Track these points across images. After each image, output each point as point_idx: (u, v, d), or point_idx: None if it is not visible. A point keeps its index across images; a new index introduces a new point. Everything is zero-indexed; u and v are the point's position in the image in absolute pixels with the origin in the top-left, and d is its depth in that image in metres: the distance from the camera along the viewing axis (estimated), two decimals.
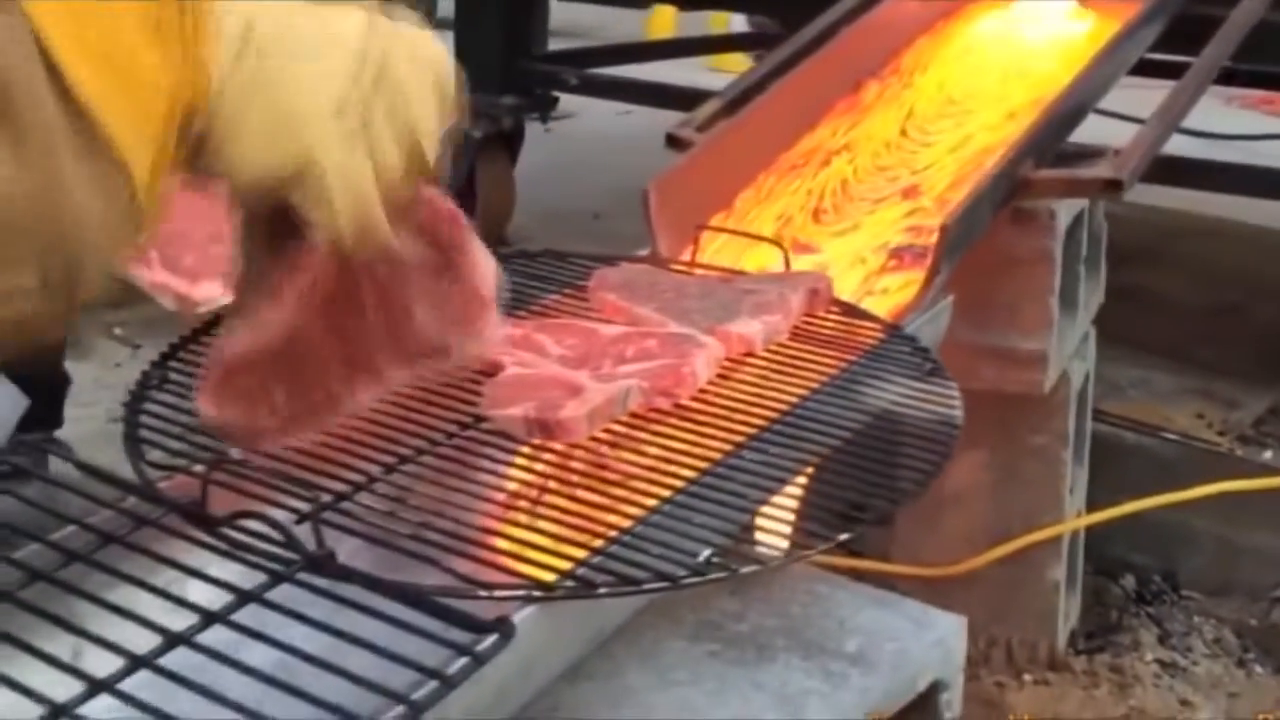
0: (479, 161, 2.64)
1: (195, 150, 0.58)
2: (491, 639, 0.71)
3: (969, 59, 1.73)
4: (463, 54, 2.70)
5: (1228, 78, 2.14)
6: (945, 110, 1.61)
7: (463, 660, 0.71)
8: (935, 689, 1.06)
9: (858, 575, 1.39)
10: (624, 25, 4.69)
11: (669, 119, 4.16)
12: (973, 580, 1.64)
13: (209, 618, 0.71)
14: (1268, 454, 1.91)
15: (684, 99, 2.68)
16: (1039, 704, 1.58)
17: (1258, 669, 1.76)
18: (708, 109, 1.47)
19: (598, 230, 3.02)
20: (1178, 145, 1.76)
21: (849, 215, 1.44)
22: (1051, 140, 1.35)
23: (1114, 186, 1.25)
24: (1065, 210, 1.48)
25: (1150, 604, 1.88)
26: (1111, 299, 1.69)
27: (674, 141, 1.43)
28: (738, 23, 4.56)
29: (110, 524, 0.82)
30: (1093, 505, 1.75)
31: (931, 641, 1.05)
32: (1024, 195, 1.31)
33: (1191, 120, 1.70)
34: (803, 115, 1.48)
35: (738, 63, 5.10)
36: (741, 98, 1.49)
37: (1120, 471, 1.88)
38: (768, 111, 1.42)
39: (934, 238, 1.32)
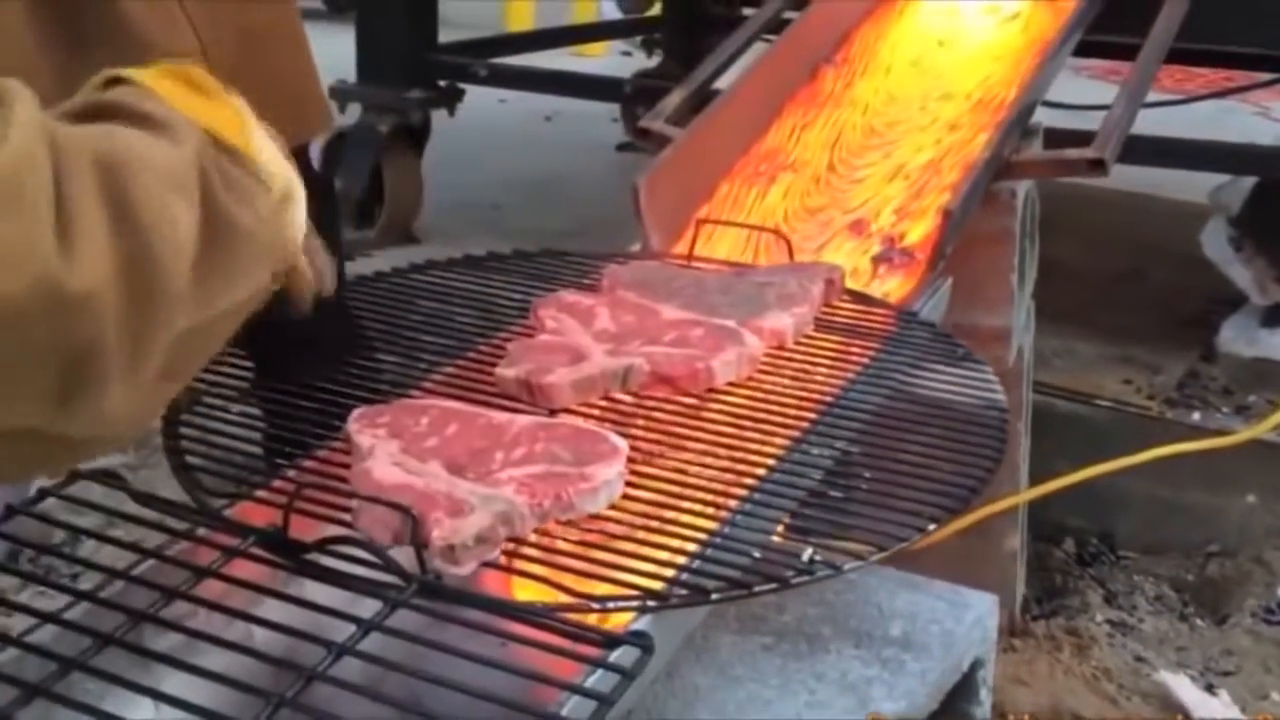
0: (385, 157, 2.59)
1: None
2: (631, 652, 0.70)
3: (888, 84, 1.69)
4: (367, 47, 2.65)
5: (1087, 50, 2.21)
6: (869, 142, 1.58)
7: (599, 673, 0.70)
8: (974, 667, 1.08)
9: None
10: (479, 16, 4.64)
11: (545, 108, 4.13)
12: (933, 554, 1.67)
13: (339, 651, 0.69)
14: (1196, 415, 1.98)
15: (599, 88, 2.68)
16: (1012, 670, 1.62)
17: (1199, 622, 1.83)
18: (674, 99, 1.46)
19: (500, 222, 2.99)
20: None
21: None
22: (1023, 125, 1.38)
23: (1098, 165, 1.28)
24: (1021, 190, 1.51)
25: (1091, 566, 1.95)
26: None
27: (643, 134, 1.42)
28: (608, 9, 4.54)
29: (191, 556, 0.79)
30: (1030, 474, 1.80)
31: (971, 621, 1.07)
32: (1010, 176, 1.34)
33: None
34: (769, 103, 1.48)
35: (600, 49, 5.09)
36: (706, 85, 1.48)
37: (1054, 440, 1.93)
38: (740, 101, 1.43)
39: (906, 242, 1.34)
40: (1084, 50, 2.24)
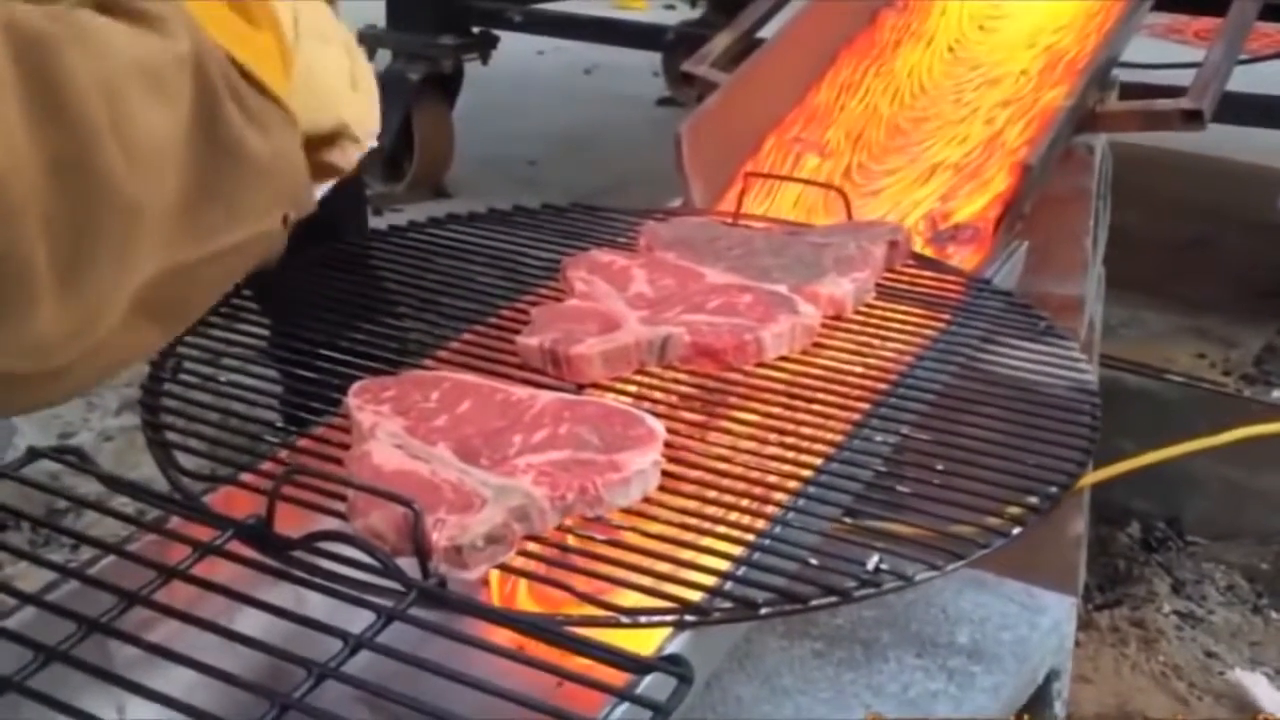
0: (416, 106, 2.47)
1: None
2: (665, 682, 0.59)
3: (923, 66, 1.47)
4: None
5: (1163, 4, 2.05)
6: (892, 143, 1.37)
7: (625, 707, 0.60)
8: (1049, 679, 0.97)
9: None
10: None
11: (584, 61, 4.01)
12: None
13: (319, 674, 0.58)
14: (1276, 393, 1.85)
15: (639, 36, 2.56)
16: (1076, 666, 1.50)
17: (1274, 615, 1.71)
18: (720, 42, 1.34)
19: (536, 177, 2.88)
20: None
21: None
22: (1104, 75, 1.25)
23: (1194, 117, 1.15)
24: (1098, 146, 1.39)
25: (1156, 552, 1.82)
26: None
27: (687, 80, 1.30)
28: None
29: (158, 552, 0.69)
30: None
31: (1047, 628, 0.96)
32: (1093, 129, 1.21)
33: None
34: (824, 48, 1.36)
35: (642, 1, 4.95)
36: (754, 29, 1.36)
37: (1120, 416, 1.81)
38: (792, 44, 1.30)
39: (956, 219, 1.21)
40: (1160, 4, 2.11)
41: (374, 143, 0.81)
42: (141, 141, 0.52)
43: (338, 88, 0.76)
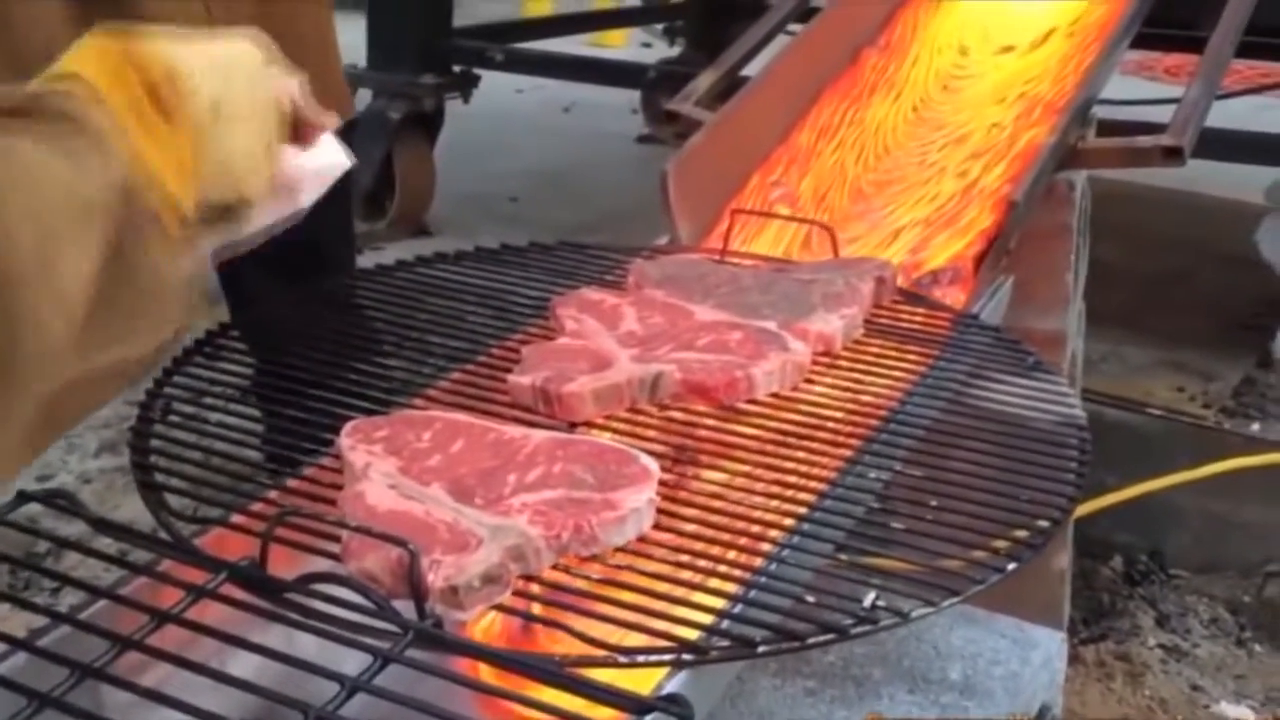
0: (397, 144, 2.48)
1: None
2: None
3: (890, 123, 1.44)
4: (379, 30, 2.54)
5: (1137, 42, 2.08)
6: (854, 209, 1.33)
7: None
8: (1041, 713, 0.97)
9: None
10: (496, 5, 4.52)
11: (563, 99, 4.01)
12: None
13: (317, 717, 0.58)
14: (1255, 426, 1.86)
15: (620, 74, 2.57)
16: (1063, 700, 1.50)
17: (1258, 648, 1.71)
18: (704, 81, 1.35)
19: (516, 214, 2.89)
20: None
21: None
22: (1085, 112, 1.27)
23: (1174, 154, 1.17)
24: (1079, 182, 1.40)
25: (1140, 585, 1.83)
26: None
27: (671, 118, 1.31)
28: None
29: (152, 595, 0.68)
30: None
31: (1039, 663, 0.96)
32: (1075, 165, 1.22)
33: None
34: (808, 86, 1.36)
35: (619, 39, 4.98)
36: (737, 68, 1.37)
37: (1102, 450, 1.81)
38: (777, 83, 1.31)
39: (930, 266, 1.21)
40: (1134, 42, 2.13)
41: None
42: (66, 286, 0.53)
43: (245, 166, 0.73)
